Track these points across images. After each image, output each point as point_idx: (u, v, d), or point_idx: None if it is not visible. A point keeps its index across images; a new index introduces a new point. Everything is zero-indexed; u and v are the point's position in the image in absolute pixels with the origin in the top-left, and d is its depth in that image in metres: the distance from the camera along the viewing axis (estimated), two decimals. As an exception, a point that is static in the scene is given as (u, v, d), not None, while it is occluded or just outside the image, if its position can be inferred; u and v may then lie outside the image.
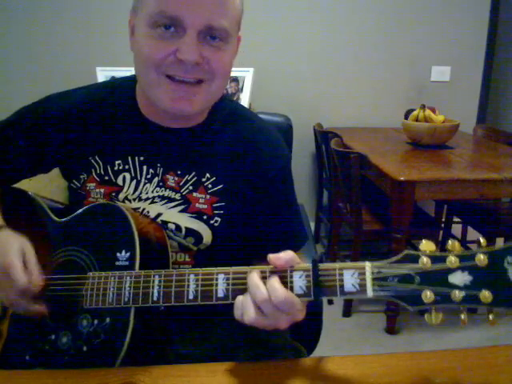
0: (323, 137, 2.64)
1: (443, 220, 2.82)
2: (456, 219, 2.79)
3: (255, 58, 2.64)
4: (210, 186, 0.84)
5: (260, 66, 2.65)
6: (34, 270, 0.75)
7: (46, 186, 1.04)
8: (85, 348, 0.72)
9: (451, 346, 2.05)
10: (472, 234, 2.72)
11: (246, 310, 0.62)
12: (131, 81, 0.86)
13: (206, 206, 0.83)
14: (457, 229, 2.87)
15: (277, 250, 0.65)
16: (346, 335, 2.21)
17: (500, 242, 2.61)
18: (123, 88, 0.87)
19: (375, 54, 3.09)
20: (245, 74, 2.50)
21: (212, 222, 0.84)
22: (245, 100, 2.44)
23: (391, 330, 2.21)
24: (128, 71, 2.57)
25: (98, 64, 2.60)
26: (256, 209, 0.86)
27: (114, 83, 0.91)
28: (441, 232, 2.79)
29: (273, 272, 0.64)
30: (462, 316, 0.58)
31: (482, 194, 2.06)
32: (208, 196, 0.83)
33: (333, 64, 3.08)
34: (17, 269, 0.73)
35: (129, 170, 0.85)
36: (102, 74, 2.56)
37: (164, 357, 0.83)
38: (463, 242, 2.83)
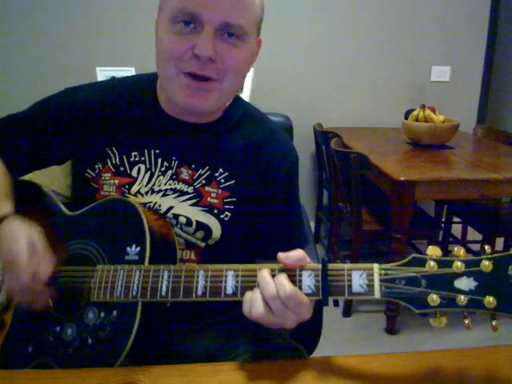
0: (323, 137, 2.64)
1: (443, 220, 2.82)
2: (456, 219, 2.79)
3: (255, 58, 2.64)
4: (222, 180, 0.85)
5: (260, 66, 2.64)
6: (42, 258, 0.74)
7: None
8: (90, 341, 0.72)
9: (451, 346, 2.05)
10: (472, 233, 2.72)
11: (254, 305, 0.63)
12: (153, 75, 0.88)
13: (217, 201, 0.85)
14: (457, 229, 2.87)
15: (276, 251, 0.66)
16: (345, 335, 2.21)
17: (500, 242, 2.60)
18: (145, 82, 0.90)
19: (375, 54, 3.09)
20: (245, 74, 2.50)
21: (222, 216, 0.85)
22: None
23: (391, 330, 2.21)
24: (128, 71, 2.57)
25: (97, 64, 2.60)
26: (262, 207, 0.88)
27: (135, 77, 0.94)
28: (441, 232, 2.79)
29: (282, 270, 0.65)
30: (467, 321, 0.59)
31: (482, 194, 2.06)
32: (220, 191, 0.85)
33: (333, 64, 3.08)
34: (23, 257, 0.72)
35: (144, 162, 0.86)
36: (102, 74, 2.56)
37: (164, 356, 0.83)
38: (463, 241, 2.83)
